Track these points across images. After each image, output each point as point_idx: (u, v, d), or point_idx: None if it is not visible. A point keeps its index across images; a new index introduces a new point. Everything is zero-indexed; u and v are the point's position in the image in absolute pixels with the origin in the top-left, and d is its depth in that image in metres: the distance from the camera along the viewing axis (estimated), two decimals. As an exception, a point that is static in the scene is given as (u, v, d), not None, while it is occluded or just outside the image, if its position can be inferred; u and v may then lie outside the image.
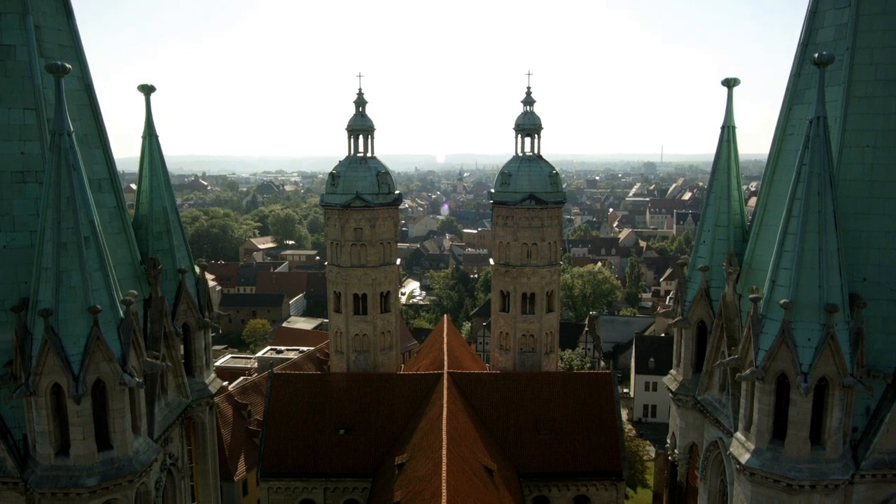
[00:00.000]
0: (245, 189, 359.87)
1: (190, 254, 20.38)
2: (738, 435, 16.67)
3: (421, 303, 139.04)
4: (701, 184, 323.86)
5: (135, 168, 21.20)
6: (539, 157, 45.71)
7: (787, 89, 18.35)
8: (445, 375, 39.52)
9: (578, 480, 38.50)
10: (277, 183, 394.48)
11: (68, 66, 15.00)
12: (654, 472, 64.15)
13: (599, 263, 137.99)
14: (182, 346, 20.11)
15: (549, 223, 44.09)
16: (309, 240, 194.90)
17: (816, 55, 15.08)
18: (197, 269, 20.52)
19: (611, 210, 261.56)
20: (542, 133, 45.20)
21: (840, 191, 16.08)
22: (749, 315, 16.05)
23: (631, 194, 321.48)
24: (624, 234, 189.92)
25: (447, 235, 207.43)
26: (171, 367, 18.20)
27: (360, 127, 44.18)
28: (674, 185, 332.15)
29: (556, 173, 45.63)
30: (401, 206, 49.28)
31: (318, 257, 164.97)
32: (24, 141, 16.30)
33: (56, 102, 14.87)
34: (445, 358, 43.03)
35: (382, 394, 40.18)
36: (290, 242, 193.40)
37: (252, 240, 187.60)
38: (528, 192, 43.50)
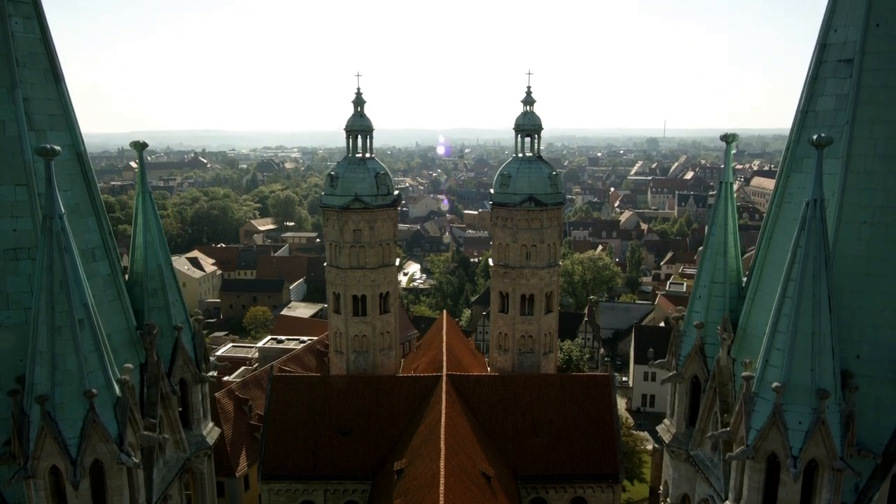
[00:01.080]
0: (245, 166, 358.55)
1: (186, 309, 20.36)
2: (729, 506, 16.88)
3: (421, 287, 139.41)
4: (703, 161, 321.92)
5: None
6: (539, 157, 45.50)
7: (785, 155, 18.12)
8: (444, 378, 39.87)
9: (575, 482, 39.25)
10: (277, 160, 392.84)
11: (58, 148, 14.77)
12: (651, 468, 64.81)
13: (600, 248, 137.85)
14: (179, 400, 20.22)
15: (549, 224, 44.11)
16: (309, 221, 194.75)
17: (815, 137, 14.84)
18: (193, 324, 20.52)
19: (612, 189, 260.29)
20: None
21: (836, 266, 16.03)
22: (742, 391, 16.11)
23: (633, 172, 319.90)
24: (625, 216, 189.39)
25: (447, 216, 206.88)
26: (167, 438, 18.31)
27: (359, 127, 43.95)
28: (676, 164, 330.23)
29: (556, 174, 45.37)
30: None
31: (318, 239, 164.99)
32: (16, 217, 16.13)
33: (46, 186, 14.67)
34: (444, 358, 43.35)
35: (382, 396, 40.62)
36: (290, 224, 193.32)
37: (252, 221, 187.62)
38: (528, 194, 43.47)
